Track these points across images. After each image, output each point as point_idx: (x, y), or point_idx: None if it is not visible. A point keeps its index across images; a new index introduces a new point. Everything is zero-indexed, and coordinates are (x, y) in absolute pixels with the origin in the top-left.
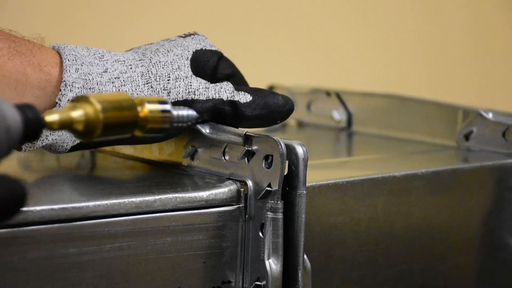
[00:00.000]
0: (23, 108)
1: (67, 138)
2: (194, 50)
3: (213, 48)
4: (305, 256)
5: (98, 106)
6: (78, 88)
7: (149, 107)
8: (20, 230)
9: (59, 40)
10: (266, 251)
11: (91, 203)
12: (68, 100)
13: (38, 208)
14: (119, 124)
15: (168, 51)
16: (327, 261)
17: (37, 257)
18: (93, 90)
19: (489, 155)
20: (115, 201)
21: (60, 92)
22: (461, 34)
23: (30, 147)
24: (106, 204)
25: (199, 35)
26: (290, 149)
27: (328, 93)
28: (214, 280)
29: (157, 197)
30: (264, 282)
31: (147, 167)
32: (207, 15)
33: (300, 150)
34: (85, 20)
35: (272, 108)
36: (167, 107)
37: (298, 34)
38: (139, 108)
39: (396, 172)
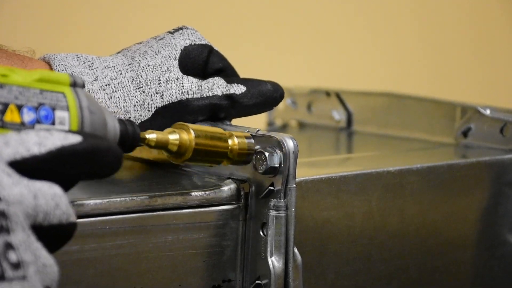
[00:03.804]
0: (125, 122)
1: None
2: (182, 48)
3: (203, 42)
4: (295, 250)
5: (192, 134)
6: None
7: (237, 141)
8: None
9: (55, 41)
10: (268, 249)
11: (92, 201)
12: None
13: None
14: (208, 152)
15: (156, 53)
16: (321, 256)
17: None
18: None
19: (487, 152)
20: (116, 199)
21: None
22: (460, 32)
23: None
24: (108, 202)
25: (188, 28)
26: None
27: (328, 93)
28: (215, 278)
29: (158, 195)
30: (265, 281)
31: (146, 167)
32: (207, 15)
33: (290, 143)
34: (79, 20)
35: (267, 95)
36: (252, 141)
37: (297, 35)
38: (229, 141)
39: (391, 167)
